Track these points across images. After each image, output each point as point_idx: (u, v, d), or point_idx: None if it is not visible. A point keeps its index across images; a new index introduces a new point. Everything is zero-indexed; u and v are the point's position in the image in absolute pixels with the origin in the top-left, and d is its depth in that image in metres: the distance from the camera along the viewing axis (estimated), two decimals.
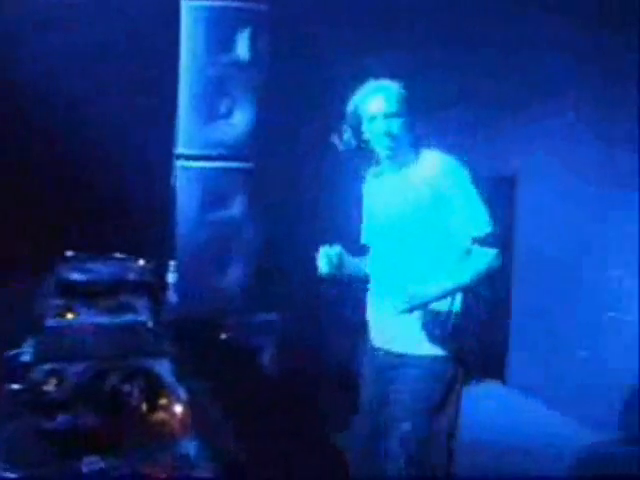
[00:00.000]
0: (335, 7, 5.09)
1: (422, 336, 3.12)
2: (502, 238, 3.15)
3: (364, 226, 3.42)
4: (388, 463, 3.13)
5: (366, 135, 3.26)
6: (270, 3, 4.48)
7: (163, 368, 2.79)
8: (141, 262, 4.10)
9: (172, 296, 4.46)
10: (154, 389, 2.41)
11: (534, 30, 5.00)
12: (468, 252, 3.15)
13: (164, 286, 4.37)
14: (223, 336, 4.55)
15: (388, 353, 3.21)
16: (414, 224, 3.16)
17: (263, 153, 4.52)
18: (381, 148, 3.23)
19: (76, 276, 3.60)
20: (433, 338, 3.08)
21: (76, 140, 4.71)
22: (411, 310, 3.09)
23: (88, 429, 2.12)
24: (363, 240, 3.42)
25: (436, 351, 3.11)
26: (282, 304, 4.72)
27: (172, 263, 4.54)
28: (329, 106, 5.35)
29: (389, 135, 3.18)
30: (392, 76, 3.28)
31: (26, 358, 2.33)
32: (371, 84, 3.29)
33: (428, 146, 3.24)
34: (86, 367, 2.47)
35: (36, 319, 2.91)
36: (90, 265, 3.79)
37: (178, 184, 4.50)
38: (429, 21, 5.22)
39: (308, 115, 5.18)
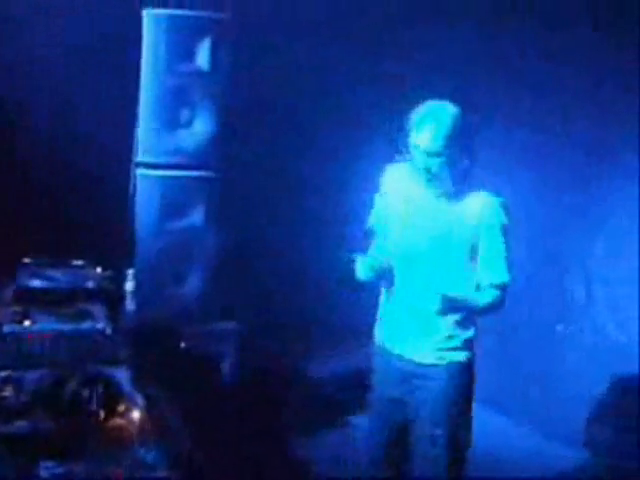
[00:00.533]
0: (297, 16, 5.13)
1: (445, 345, 3.22)
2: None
3: (393, 234, 3.43)
4: (416, 466, 3.23)
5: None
6: (231, 12, 4.52)
7: (121, 375, 2.80)
8: (99, 270, 4.10)
9: (130, 304, 4.46)
10: (112, 395, 2.42)
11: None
12: (479, 289, 3.25)
13: (122, 294, 4.36)
14: (182, 344, 4.54)
15: (410, 361, 3.28)
16: (445, 253, 3.23)
17: (224, 162, 4.54)
18: (420, 177, 3.26)
19: (34, 283, 3.59)
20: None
21: (35, 147, 4.69)
22: (445, 311, 3.19)
23: (46, 434, 2.12)
24: (387, 245, 3.45)
25: (459, 357, 3.22)
26: (240, 312, 4.73)
27: (130, 271, 4.53)
28: (292, 114, 5.43)
29: (428, 171, 3.21)
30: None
31: None
32: (429, 106, 3.27)
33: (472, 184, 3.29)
34: (44, 374, 2.48)
35: None
36: (49, 272, 3.78)
37: (137, 192, 4.49)
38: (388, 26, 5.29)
39: (273, 123, 5.22)
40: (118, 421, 2.29)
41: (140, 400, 2.55)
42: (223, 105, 4.53)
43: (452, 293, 3.20)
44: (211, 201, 4.54)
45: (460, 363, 3.23)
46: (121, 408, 2.36)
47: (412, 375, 3.25)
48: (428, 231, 3.26)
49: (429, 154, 3.17)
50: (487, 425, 3.94)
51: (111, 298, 3.84)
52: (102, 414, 2.30)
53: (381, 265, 3.29)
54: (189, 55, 4.47)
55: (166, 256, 4.53)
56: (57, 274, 3.82)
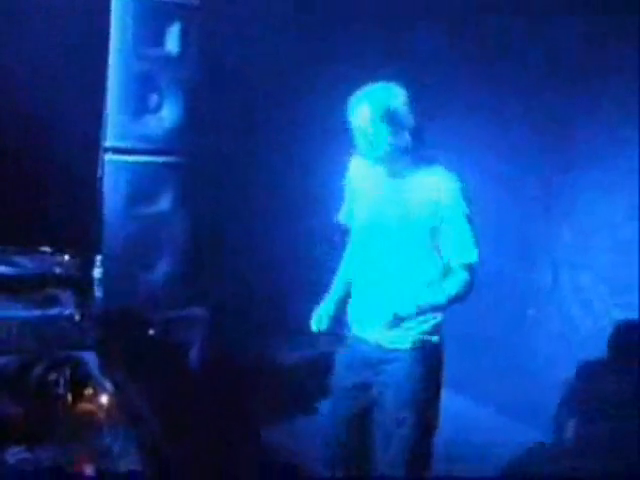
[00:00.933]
0: (267, 2, 5.11)
1: (412, 328, 3.22)
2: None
3: (355, 222, 3.43)
4: (380, 452, 3.23)
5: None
6: None
7: (89, 359, 2.78)
8: (67, 257, 4.06)
9: (98, 291, 4.42)
10: (80, 380, 2.41)
11: None
12: (447, 272, 3.23)
13: (90, 281, 4.32)
14: (151, 331, 4.52)
15: (377, 346, 3.28)
16: (406, 233, 3.21)
17: (192, 148, 4.52)
18: (369, 157, 3.26)
19: (1, 269, 3.56)
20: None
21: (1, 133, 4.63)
22: (394, 326, 3.17)
23: (13, 420, 2.10)
24: (351, 231, 3.45)
25: (427, 341, 3.23)
26: (209, 299, 4.72)
27: (98, 258, 4.50)
28: (262, 99, 5.40)
29: (369, 152, 3.19)
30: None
31: None
32: (365, 88, 3.25)
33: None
34: (10, 359, 2.46)
35: None
36: (15, 259, 3.74)
37: (105, 178, 4.45)
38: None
39: (242, 109, 5.20)
40: (86, 406, 2.28)
41: (108, 386, 2.54)
42: (191, 91, 4.50)
43: (404, 311, 3.18)
44: (179, 187, 4.51)
45: (427, 347, 3.25)
46: (89, 393, 2.35)
47: (379, 360, 3.26)
48: (387, 213, 3.25)
49: (365, 134, 3.19)
50: (454, 408, 3.97)
51: (79, 285, 3.82)
52: (69, 399, 2.29)
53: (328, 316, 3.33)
54: (158, 40, 4.44)
55: (134, 242, 4.49)
56: (24, 261, 3.79)
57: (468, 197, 3.23)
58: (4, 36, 4.57)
